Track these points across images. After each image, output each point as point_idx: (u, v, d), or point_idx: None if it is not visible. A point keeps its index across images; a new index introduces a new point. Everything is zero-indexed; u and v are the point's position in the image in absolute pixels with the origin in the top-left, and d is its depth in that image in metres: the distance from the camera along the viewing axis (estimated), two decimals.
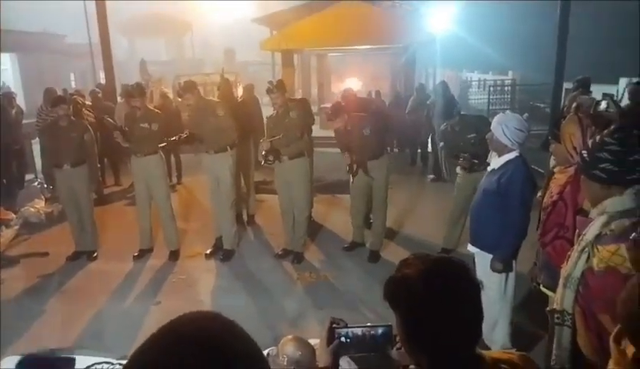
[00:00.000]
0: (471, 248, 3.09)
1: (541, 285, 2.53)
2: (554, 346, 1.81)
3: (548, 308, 1.99)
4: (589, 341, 1.72)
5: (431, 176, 8.09)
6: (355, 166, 4.80)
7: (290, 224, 5.05)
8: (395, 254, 5.09)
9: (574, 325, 1.76)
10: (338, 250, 5.25)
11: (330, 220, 6.19)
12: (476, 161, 4.35)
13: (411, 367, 1.11)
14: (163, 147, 4.98)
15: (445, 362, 1.05)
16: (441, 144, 5.12)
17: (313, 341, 2.71)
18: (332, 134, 6.62)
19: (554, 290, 2.14)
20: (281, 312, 4.09)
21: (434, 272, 1.05)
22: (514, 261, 2.95)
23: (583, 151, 1.84)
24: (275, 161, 4.73)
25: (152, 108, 5.29)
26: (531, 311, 3.53)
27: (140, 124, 4.81)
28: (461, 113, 4.95)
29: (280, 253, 5.14)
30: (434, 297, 1.02)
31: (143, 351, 0.61)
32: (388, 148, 5.04)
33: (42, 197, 6.68)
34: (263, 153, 4.71)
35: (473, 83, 19.56)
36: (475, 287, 1.06)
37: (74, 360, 1.12)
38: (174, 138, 4.88)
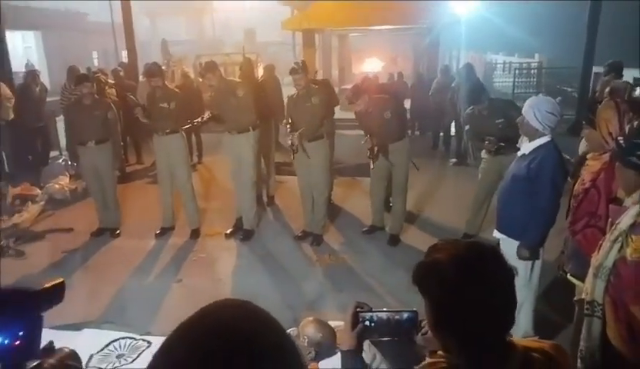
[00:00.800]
0: (497, 234, 3.03)
1: (568, 274, 2.47)
2: (583, 337, 1.77)
3: (575, 298, 1.94)
4: (619, 332, 1.68)
5: (454, 160, 7.97)
6: (375, 150, 4.72)
7: (309, 205, 5.05)
8: (415, 238, 5.06)
9: (604, 316, 1.72)
10: (357, 233, 5.23)
11: (350, 203, 6.16)
12: (502, 145, 4.25)
13: (439, 352, 1.09)
14: (186, 129, 4.99)
15: (475, 348, 1.03)
16: (467, 127, 5.00)
17: (333, 323, 2.73)
18: (353, 116, 6.58)
19: (582, 280, 2.09)
20: (301, 293, 4.11)
21: (466, 257, 1.03)
22: (541, 249, 2.89)
23: (619, 137, 1.78)
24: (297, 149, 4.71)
25: (172, 88, 5.30)
26: (554, 300, 3.48)
27: (160, 104, 4.83)
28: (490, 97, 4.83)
29: (299, 235, 5.14)
30: (466, 282, 1.00)
31: (170, 345, 0.60)
32: (409, 131, 4.93)
33: (67, 174, 6.79)
34: (289, 143, 4.67)
35: (498, 66, 19.07)
36: (507, 273, 1.04)
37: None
38: (197, 120, 4.89)
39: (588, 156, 2.43)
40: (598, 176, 2.17)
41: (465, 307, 1.00)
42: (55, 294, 1.02)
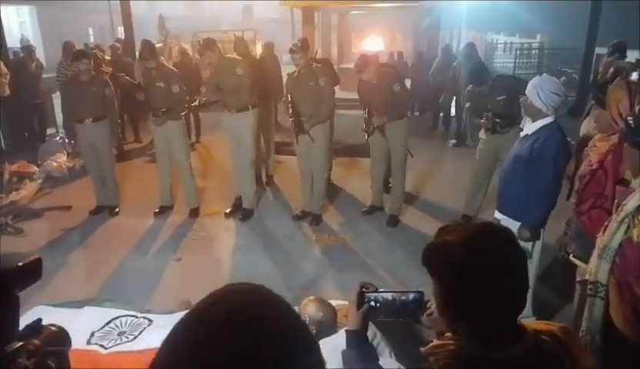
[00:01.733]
0: (498, 215, 3.02)
1: (571, 255, 2.46)
2: (585, 317, 1.78)
3: (578, 279, 1.94)
4: (622, 314, 1.68)
5: (453, 141, 7.93)
6: (371, 125, 4.69)
7: (309, 185, 5.02)
8: (414, 218, 5.06)
9: (607, 297, 1.72)
10: (356, 213, 5.22)
11: (349, 183, 6.14)
12: (498, 121, 4.21)
13: (447, 334, 1.08)
14: (184, 113, 4.98)
15: (485, 331, 1.01)
16: (468, 104, 4.95)
17: (333, 302, 2.73)
18: (352, 96, 6.49)
19: (584, 261, 2.09)
20: (300, 273, 4.12)
21: (477, 239, 1.01)
22: (542, 230, 2.89)
23: (628, 117, 1.75)
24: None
25: (169, 66, 5.21)
26: (553, 281, 3.49)
27: (156, 83, 4.76)
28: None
29: (299, 214, 5.13)
30: (476, 265, 0.98)
31: (178, 334, 0.58)
32: (409, 112, 4.90)
33: (64, 151, 6.74)
34: (292, 126, 4.69)
35: (499, 46, 18.85)
36: (520, 256, 1.02)
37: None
38: (194, 104, 4.85)
39: (596, 137, 2.40)
40: (606, 157, 2.15)
41: (475, 290, 0.98)
42: (31, 273, 0.96)
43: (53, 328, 1.01)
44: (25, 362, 0.91)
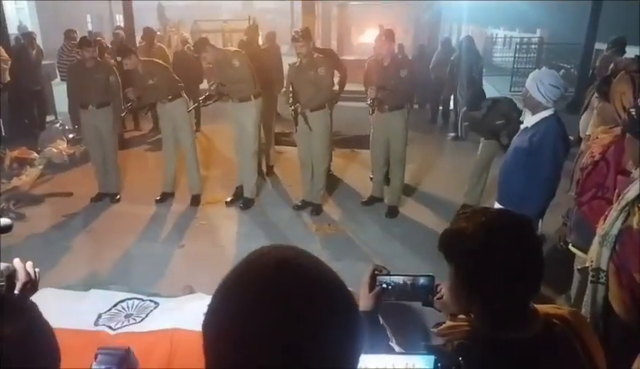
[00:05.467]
0: (497, 206, 3.06)
1: (570, 245, 2.51)
2: (586, 303, 1.83)
3: (579, 267, 1.99)
4: (622, 299, 1.74)
5: (452, 134, 7.97)
6: (375, 104, 4.71)
7: (309, 175, 5.06)
8: (413, 210, 5.11)
9: (607, 283, 1.77)
10: (356, 204, 5.26)
11: (348, 174, 6.18)
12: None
13: (461, 316, 1.12)
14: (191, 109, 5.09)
15: (499, 313, 1.04)
16: (466, 123, 5.00)
17: None
18: (352, 88, 6.50)
19: (583, 250, 2.14)
20: None
21: (495, 225, 1.03)
22: (540, 221, 2.94)
23: (631, 109, 1.79)
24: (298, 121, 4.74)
25: (151, 60, 5.29)
26: (549, 271, 3.54)
27: (148, 81, 4.84)
28: (488, 97, 4.83)
29: (299, 204, 5.17)
30: (494, 250, 1.00)
31: (232, 285, 0.63)
32: (408, 105, 4.94)
33: (64, 138, 6.74)
34: (292, 114, 4.70)
35: (498, 40, 18.83)
36: (535, 241, 1.05)
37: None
38: (200, 99, 4.97)
39: (599, 129, 2.44)
40: (609, 148, 2.19)
41: (492, 274, 1.01)
42: None
43: None
44: None
